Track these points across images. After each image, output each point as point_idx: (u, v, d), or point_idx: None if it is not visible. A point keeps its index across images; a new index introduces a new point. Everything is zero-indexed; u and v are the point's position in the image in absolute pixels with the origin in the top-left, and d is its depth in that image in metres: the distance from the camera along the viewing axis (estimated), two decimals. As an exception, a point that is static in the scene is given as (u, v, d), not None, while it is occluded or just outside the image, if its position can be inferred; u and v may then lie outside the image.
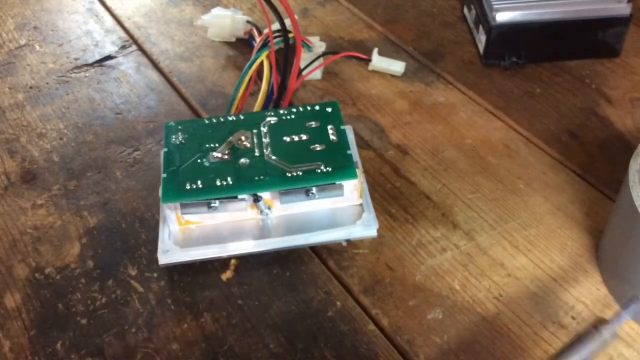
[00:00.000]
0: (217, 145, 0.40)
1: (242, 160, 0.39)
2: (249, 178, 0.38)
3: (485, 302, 0.37)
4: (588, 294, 0.37)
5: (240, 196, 0.38)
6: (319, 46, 0.54)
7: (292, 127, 0.41)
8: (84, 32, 0.59)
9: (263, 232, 0.39)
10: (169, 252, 0.38)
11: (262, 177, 0.38)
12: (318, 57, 0.52)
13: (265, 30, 0.52)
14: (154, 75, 0.54)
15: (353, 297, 0.38)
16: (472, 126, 0.48)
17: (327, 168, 0.38)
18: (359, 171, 0.39)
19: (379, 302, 0.37)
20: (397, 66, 0.52)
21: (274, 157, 0.39)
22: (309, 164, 0.39)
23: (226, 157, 0.40)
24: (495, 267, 0.39)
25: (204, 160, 0.39)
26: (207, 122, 0.43)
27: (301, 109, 0.43)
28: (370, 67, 0.52)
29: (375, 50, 0.52)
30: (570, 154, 0.45)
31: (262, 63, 0.50)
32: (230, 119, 0.43)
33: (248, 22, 0.55)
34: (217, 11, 0.56)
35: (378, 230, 0.39)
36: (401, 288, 0.38)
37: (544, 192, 0.43)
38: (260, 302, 0.38)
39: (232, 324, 0.37)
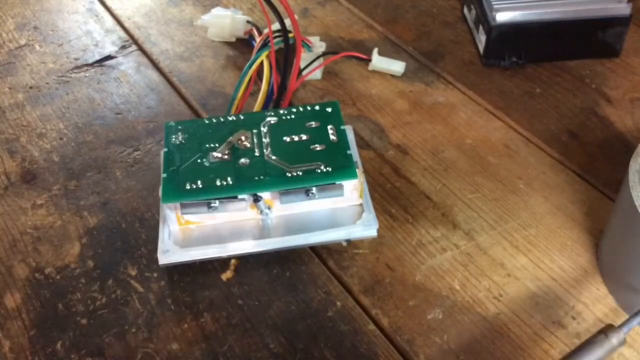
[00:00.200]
0: (217, 145, 0.40)
1: (242, 160, 0.39)
2: (249, 178, 0.38)
3: (485, 302, 0.37)
4: (588, 294, 0.37)
5: (240, 196, 0.38)
6: (319, 46, 0.54)
7: (292, 127, 0.41)
8: (84, 32, 0.59)
9: (263, 232, 0.39)
10: (169, 252, 0.38)
11: (262, 177, 0.38)
12: (318, 57, 0.52)
13: (265, 30, 0.52)
14: (154, 75, 0.54)
15: (353, 297, 0.38)
16: (472, 126, 0.48)
17: (327, 168, 0.38)
18: (359, 171, 0.39)
19: (379, 302, 0.37)
20: (397, 66, 0.52)
21: (274, 157, 0.39)
22: (309, 164, 0.39)
23: (226, 157, 0.40)
24: (495, 267, 0.39)
25: (204, 160, 0.39)
26: (207, 122, 0.43)
27: (301, 109, 0.43)
28: (370, 67, 0.52)
29: (375, 50, 0.52)
30: (570, 154, 0.45)
31: (262, 63, 0.50)
32: (230, 119, 0.43)
33: (248, 22, 0.55)
34: (217, 11, 0.56)
35: (378, 230, 0.39)
36: (401, 288, 0.38)
37: (544, 192, 0.43)
38: (260, 302, 0.38)
39: (232, 324, 0.37)
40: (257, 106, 0.48)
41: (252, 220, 0.40)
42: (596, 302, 0.37)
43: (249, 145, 0.40)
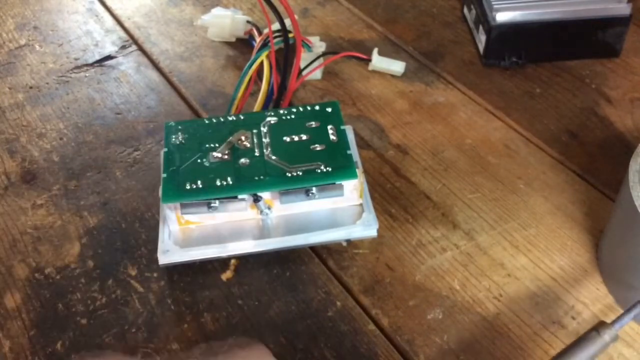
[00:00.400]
0: (217, 145, 0.40)
1: (242, 160, 0.39)
2: (249, 178, 0.38)
3: (485, 302, 0.37)
4: (588, 294, 0.37)
5: (240, 196, 0.38)
6: (319, 46, 0.54)
7: (292, 127, 0.41)
8: (84, 32, 0.59)
9: (263, 232, 0.39)
10: (169, 252, 0.38)
11: (262, 177, 0.38)
12: (318, 57, 0.52)
13: (265, 30, 0.52)
14: (154, 75, 0.54)
15: (353, 297, 0.38)
16: (472, 126, 0.48)
17: (327, 168, 0.38)
18: (359, 171, 0.39)
19: (379, 302, 0.37)
20: (397, 66, 0.52)
21: (274, 157, 0.39)
22: (309, 164, 0.39)
23: (226, 157, 0.40)
24: (495, 267, 0.39)
25: (204, 160, 0.39)
26: (207, 122, 0.43)
27: (301, 109, 0.43)
28: (370, 67, 0.52)
29: (375, 50, 0.52)
30: (570, 154, 0.45)
31: (262, 63, 0.50)
32: (230, 119, 0.43)
33: (248, 22, 0.55)
34: (217, 11, 0.56)
35: (378, 230, 0.39)
36: (401, 288, 0.38)
37: (544, 192, 0.43)
38: (260, 302, 0.38)
39: (232, 324, 0.37)
40: (257, 106, 0.48)
41: (252, 220, 0.40)
42: (596, 302, 0.37)
43: (249, 145, 0.40)
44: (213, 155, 0.40)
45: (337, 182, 0.38)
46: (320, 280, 0.38)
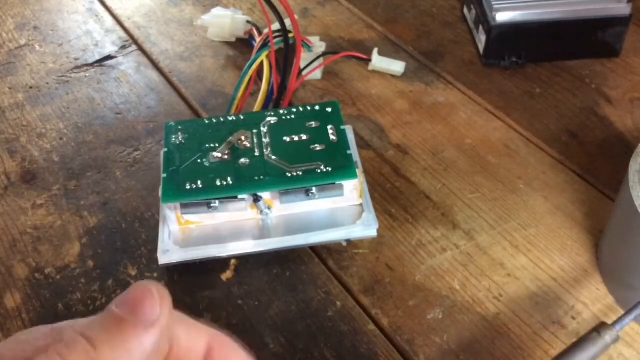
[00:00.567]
0: (217, 145, 0.40)
1: (242, 160, 0.39)
2: (249, 178, 0.38)
3: (485, 302, 0.37)
4: (588, 294, 0.37)
5: (240, 196, 0.38)
6: (319, 46, 0.54)
7: (292, 127, 0.41)
8: (84, 32, 0.59)
9: (263, 232, 0.39)
10: (169, 252, 0.38)
11: (262, 177, 0.38)
12: (318, 57, 0.52)
13: (265, 30, 0.52)
14: (154, 75, 0.54)
15: (353, 297, 0.38)
16: (472, 126, 0.48)
17: (327, 168, 0.38)
18: (359, 171, 0.39)
19: (379, 302, 0.37)
20: (397, 66, 0.52)
21: (274, 157, 0.39)
22: (309, 164, 0.39)
23: (226, 157, 0.40)
24: (495, 267, 0.39)
25: (204, 160, 0.39)
26: (207, 122, 0.43)
27: (301, 109, 0.43)
28: (370, 67, 0.52)
29: (375, 50, 0.52)
30: (570, 154, 0.45)
31: (262, 63, 0.50)
32: (230, 119, 0.43)
33: (248, 22, 0.55)
34: (217, 11, 0.56)
35: (378, 230, 0.39)
36: (401, 288, 0.38)
37: (544, 192, 0.43)
38: (260, 302, 0.38)
39: (232, 324, 0.37)
40: (257, 106, 0.48)
41: (252, 220, 0.40)
42: (596, 302, 0.37)
43: (249, 145, 0.40)
44: (213, 155, 0.40)
45: (337, 182, 0.38)
46: (320, 280, 0.38)
